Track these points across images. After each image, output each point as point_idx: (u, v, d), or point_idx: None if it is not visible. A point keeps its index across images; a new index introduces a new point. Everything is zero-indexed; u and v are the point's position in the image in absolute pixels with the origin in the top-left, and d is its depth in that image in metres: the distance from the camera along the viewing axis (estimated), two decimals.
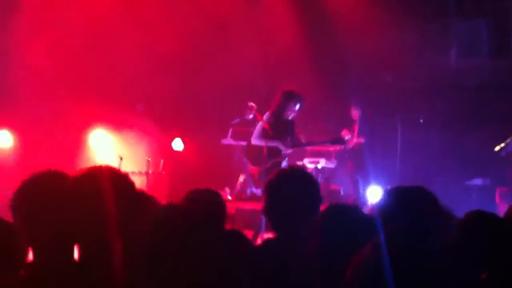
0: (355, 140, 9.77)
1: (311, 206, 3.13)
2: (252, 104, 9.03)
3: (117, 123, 9.64)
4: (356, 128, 9.85)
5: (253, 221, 7.77)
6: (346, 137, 8.68)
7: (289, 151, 7.51)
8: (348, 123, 9.87)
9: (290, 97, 7.39)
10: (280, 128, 7.40)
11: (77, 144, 9.54)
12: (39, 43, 8.97)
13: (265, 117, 7.44)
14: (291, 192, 3.13)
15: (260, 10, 10.54)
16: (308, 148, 9.87)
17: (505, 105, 9.52)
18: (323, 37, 10.71)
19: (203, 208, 3.18)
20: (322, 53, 10.71)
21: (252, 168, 7.71)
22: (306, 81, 10.32)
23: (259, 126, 7.51)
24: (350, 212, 2.88)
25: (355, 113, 9.86)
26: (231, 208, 9.09)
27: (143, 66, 9.76)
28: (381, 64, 10.44)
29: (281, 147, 7.40)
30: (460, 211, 3.04)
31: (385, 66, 10.48)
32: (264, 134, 7.37)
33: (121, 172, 2.53)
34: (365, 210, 3.21)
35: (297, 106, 7.40)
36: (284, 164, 7.50)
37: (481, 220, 3.02)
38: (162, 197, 9.56)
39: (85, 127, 9.61)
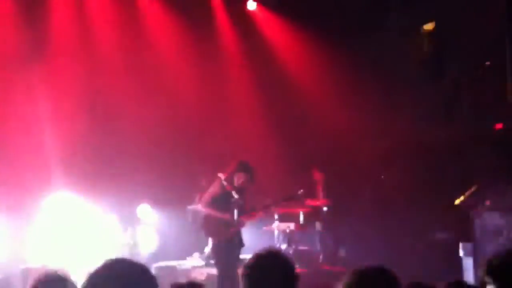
0: (320, 201, 9.92)
1: None
2: (221, 174, 9.15)
3: (81, 187, 9.21)
4: (320, 189, 10.03)
5: None
6: (299, 192, 8.78)
7: (235, 227, 7.58)
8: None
9: (242, 167, 7.57)
10: (229, 195, 7.55)
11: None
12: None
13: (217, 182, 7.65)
14: (271, 282, 3.22)
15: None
16: (277, 211, 9.95)
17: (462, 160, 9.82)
18: (286, 103, 11.08)
19: None
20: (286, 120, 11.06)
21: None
22: (269, 147, 10.60)
23: (210, 190, 7.66)
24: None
25: (318, 175, 10.07)
26: (201, 274, 9.04)
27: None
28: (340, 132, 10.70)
29: (228, 221, 7.50)
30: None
31: (345, 134, 10.73)
32: (215, 200, 7.54)
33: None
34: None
35: (248, 177, 7.61)
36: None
37: None
38: None
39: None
